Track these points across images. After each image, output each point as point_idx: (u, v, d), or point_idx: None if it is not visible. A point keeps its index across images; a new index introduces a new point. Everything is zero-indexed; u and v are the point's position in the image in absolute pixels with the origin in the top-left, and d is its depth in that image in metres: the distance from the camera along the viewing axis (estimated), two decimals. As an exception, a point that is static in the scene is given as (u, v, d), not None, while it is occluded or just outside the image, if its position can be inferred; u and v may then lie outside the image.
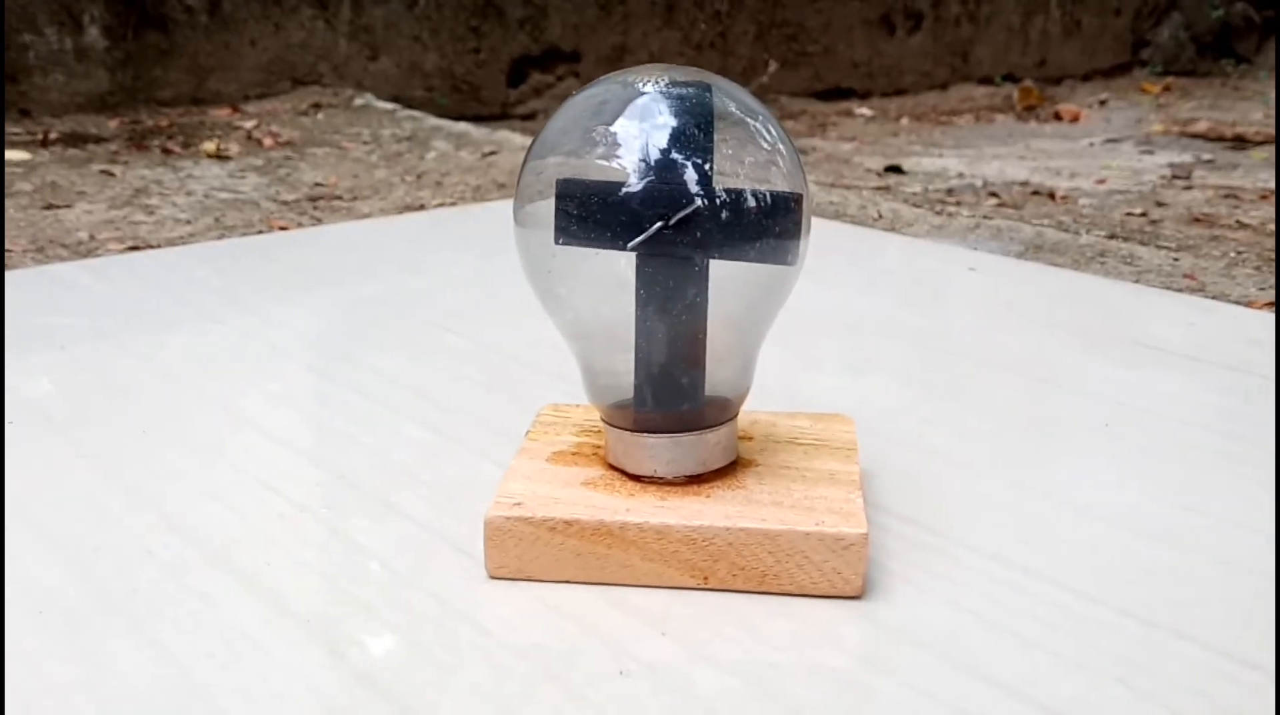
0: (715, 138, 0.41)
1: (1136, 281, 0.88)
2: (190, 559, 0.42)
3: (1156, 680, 0.36)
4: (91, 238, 0.99)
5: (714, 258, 0.41)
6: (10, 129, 1.44)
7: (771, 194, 0.41)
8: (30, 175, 1.23)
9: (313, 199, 1.18)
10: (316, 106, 1.68)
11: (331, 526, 0.45)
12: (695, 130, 0.40)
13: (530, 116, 2.15)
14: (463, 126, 1.63)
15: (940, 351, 0.66)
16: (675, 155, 0.40)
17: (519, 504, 0.41)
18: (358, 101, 1.73)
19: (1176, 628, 0.39)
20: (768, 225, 0.41)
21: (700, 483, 0.43)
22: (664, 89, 0.41)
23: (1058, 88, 2.99)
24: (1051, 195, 1.41)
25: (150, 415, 0.56)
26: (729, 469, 0.44)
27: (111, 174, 1.26)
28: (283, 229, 1.05)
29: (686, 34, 2.38)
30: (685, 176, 0.40)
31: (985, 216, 1.10)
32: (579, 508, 0.41)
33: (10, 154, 1.31)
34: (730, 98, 0.42)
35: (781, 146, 0.42)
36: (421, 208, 1.14)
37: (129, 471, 0.50)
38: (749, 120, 0.42)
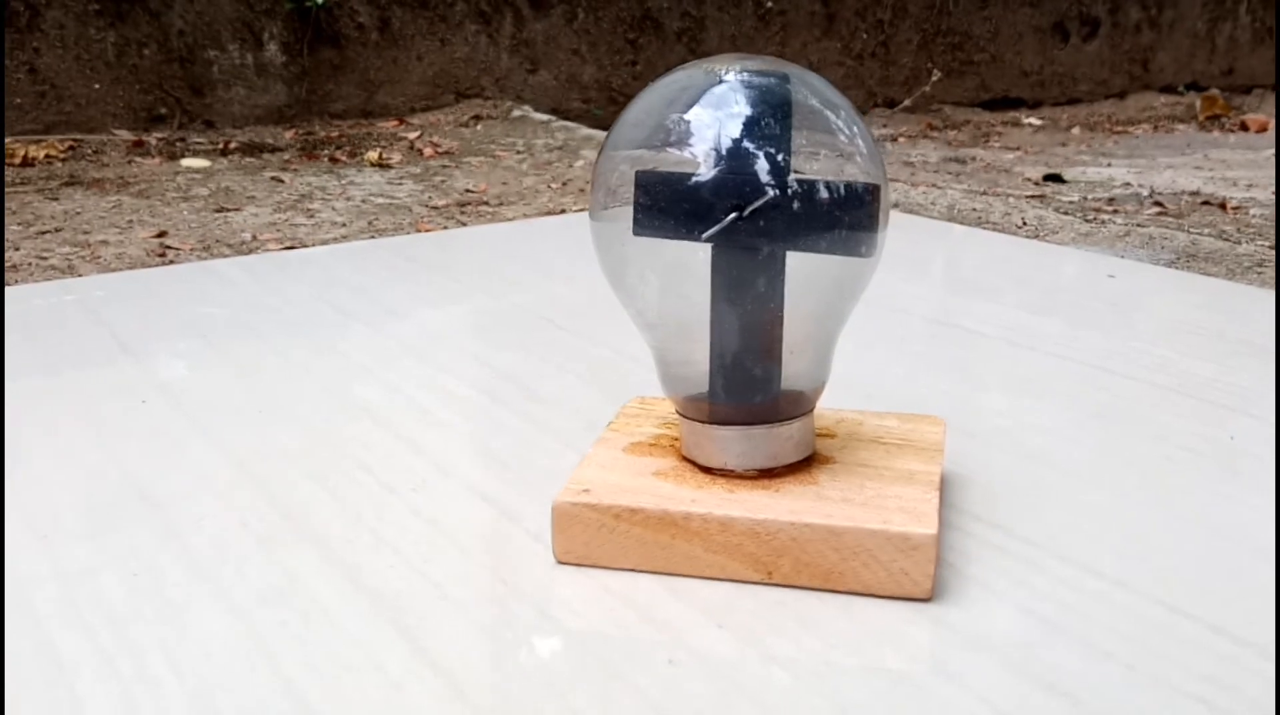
0: (792, 128, 0.40)
1: (1298, 293, 0.82)
2: (280, 532, 0.45)
3: (1239, 702, 0.34)
4: (254, 238, 1.05)
5: (788, 249, 0.40)
6: (194, 139, 1.54)
7: (846, 185, 0.40)
8: (207, 181, 1.31)
9: (461, 204, 1.22)
10: (477, 118, 1.74)
11: (415, 509, 0.47)
12: (771, 120, 0.40)
13: (687, 127, 2.14)
14: (614, 136, 1.65)
15: (1059, 357, 0.63)
16: (749, 145, 0.40)
17: (587, 491, 0.42)
18: (515, 113, 1.78)
19: (1271, 649, 0.36)
20: (842, 217, 0.40)
21: (771, 477, 0.43)
22: (741, 78, 0.41)
23: (1246, 97, 2.83)
24: (1222, 205, 1.33)
25: (270, 399, 0.59)
26: (803, 464, 0.44)
27: (281, 181, 1.33)
28: (427, 231, 1.09)
29: (847, 43, 2.35)
30: (759, 167, 0.40)
31: (1139, 225, 1.05)
32: (645, 496, 0.41)
33: (191, 162, 1.40)
34: (809, 88, 0.42)
35: (860, 138, 0.42)
36: (562, 212, 1.17)
37: (240, 449, 0.52)
38: (827, 112, 0.42)
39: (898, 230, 0.94)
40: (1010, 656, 0.36)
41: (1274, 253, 0.88)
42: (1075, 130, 2.39)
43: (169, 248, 0.99)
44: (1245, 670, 0.35)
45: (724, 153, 0.40)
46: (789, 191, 0.39)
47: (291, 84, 1.65)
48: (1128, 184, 1.56)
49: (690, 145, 0.40)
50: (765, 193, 0.39)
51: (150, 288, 0.81)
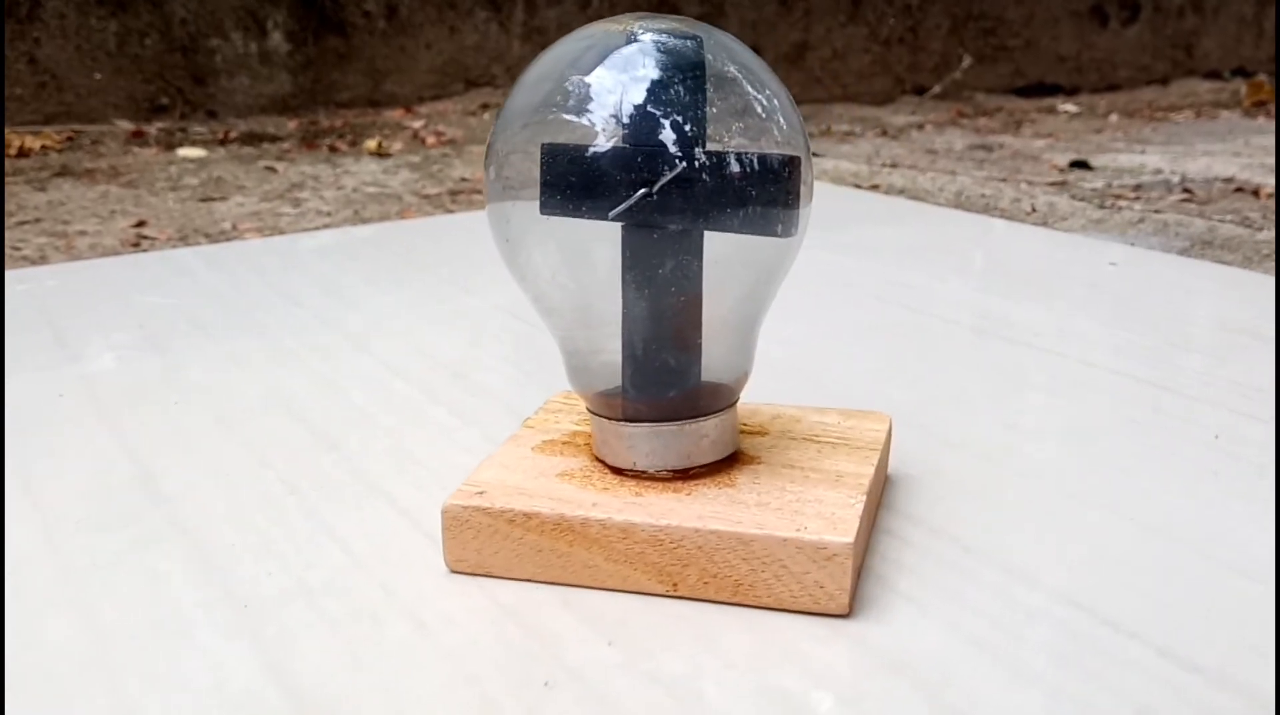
0: (706, 96, 0.36)
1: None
2: (162, 535, 0.41)
3: (1179, 740, 0.29)
4: (234, 227, 1.02)
5: (697, 228, 0.37)
6: (195, 129, 1.52)
7: (761, 158, 0.36)
8: (199, 171, 1.29)
9: (454, 193, 1.18)
10: (485, 107, 1.71)
11: (310, 509, 0.43)
12: (683, 88, 0.36)
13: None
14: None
15: (1038, 349, 0.58)
16: (658, 114, 0.36)
17: (481, 493, 0.38)
18: (525, 101, 1.75)
19: (1225, 674, 0.32)
20: (756, 192, 0.36)
21: (686, 479, 0.39)
22: (650, 40, 0.37)
23: (1274, 80, 2.72)
24: (1255, 193, 1.27)
25: (191, 392, 0.56)
26: (723, 465, 0.40)
27: (274, 170, 1.31)
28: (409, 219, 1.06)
29: (874, 29, 2.28)
30: (666, 137, 0.36)
31: (1157, 211, 0.99)
32: (542, 500, 0.38)
33: (187, 152, 1.38)
34: (724, 51, 0.38)
35: (780, 108, 0.38)
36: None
37: (143, 444, 0.49)
38: (743, 77, 0.38)
39: (890, 216, 0.90)
40: (925, 680, 0.32)
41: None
42: (1113, 117, 2.32)
43: (145, 237, 0.97)
44: (1187, 700, 0.31)
45: (631, 123, 0.36)
46: (698, 164, 0.35)
47: (296, 73, 1.63)
48: (1159, 170, 1.49)
49: (592, 114, 0.37)
50: (674, 166, 0.36)
51: (104, 277, 0.78)
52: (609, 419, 0.39)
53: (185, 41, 1.53)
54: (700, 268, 0.37)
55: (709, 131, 0.36)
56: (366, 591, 0.37)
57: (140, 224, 1.03)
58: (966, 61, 2.41)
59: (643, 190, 0.36)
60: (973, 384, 0.55)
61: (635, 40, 0.37)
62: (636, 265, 0.37)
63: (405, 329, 0.65)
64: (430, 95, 1.77)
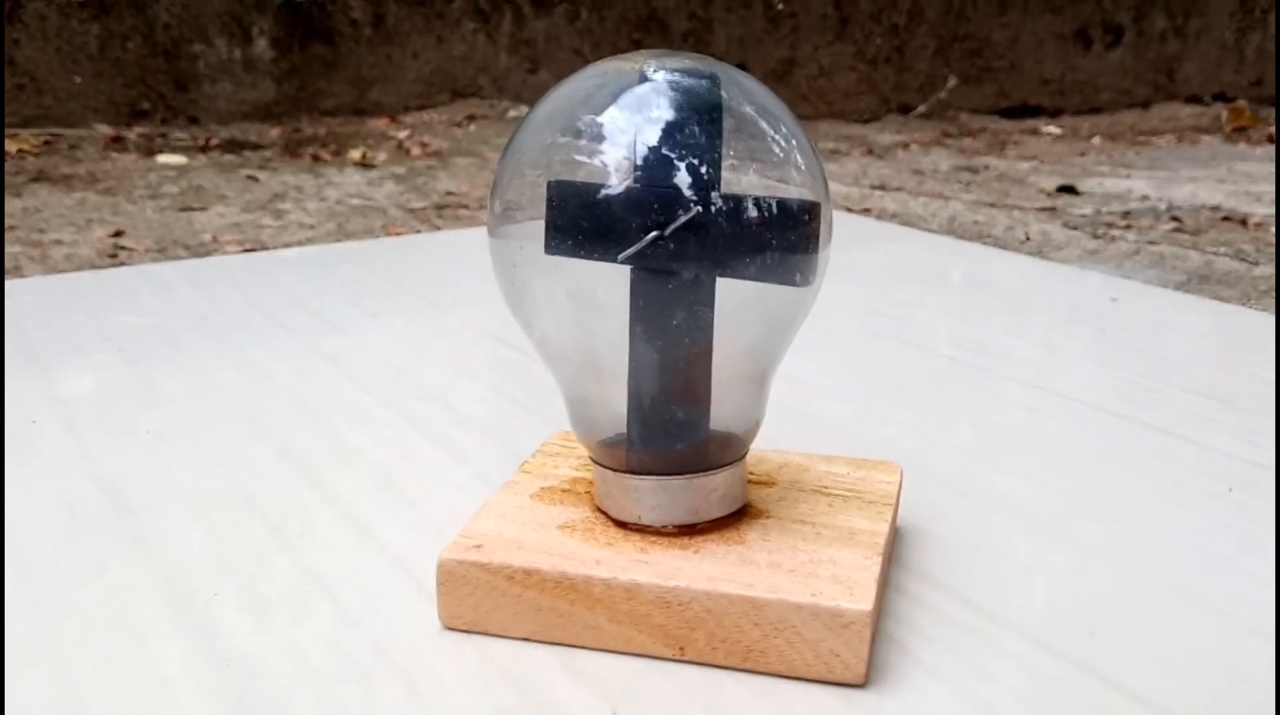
0: (722, 137, 0.35)
1: (1315, 320, 0.76)
2: (140, 582, 0.39)
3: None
4: (214, 239, 1.00)
5: (713, 274, 0.35)
6: (175, 135, 1.50)
7: (780, 202, 0.35)
8: (179, 179, 1.27)
9: (439, 207, 1.17)
10: (471, 118, 1.69)
11: (297, 554, 0.41)
12: (699, 128, 0.35)
13: (694, 131, 2.08)
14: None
15: (1042, 389, 0.57)
16: (672, 155, 0.34)
17: (478, 546, 0.37)
18: (512, 113, 1.73)
19: (1259, 762, 0.30)
20: (774, 239, 0.34)
21: (693, 535, 0.37)
22: (665, 78, 0.36)
23: (1273, 109, 2.74)
24: (1243, 222, 1.26)
25: (169, 420, 0.54)
26: (732, 520, 0.38)
27: (256, 179, 1.29)
28: (396, 235, 1.04)
29: (860, 48, 2.28)
30: (680, 179, 0.34)
31: (1151, 242, 0.98)
32: (542, 555, 0.36)
33: (167, 158, 1.35)
34: (741, 90, 0.36)
35: (798, 149, 0.36)
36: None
37: (120, 479, 0.47)
38: (761, 119, 0.36)
39: (885, 242, 0.89)
40: (949, 764, 0.30)
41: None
42: (1096, 140, 2.32)
43: (122, 248, 0.94)
44: (1228, 793, 0.29)
45: (643, 162, 0.34)
46: (713, 208, 0.34)
47: (281, 80, 1.61)
48: (1145, 197, 1.49)
49: (603, 153, 0.35)
50: (689, 209, 0.34)
51: (81, 293, 0.76)
52: (613, 470, 0.37)
53: (168, 46, 1.50)
54: (712, 316, 0.36)
55: (724, 173, 0.35)
56: (357, 650, 0.35)
57: (118, 234, 1.00)
58: (952, 82, 2.41)
59: (654, 233, 0.34)
60: (977, 426, 0.53)
61: (648, 79, 0.35)
62: (645, 312, 0.36)
63: (391, 354, 0.64)
64: (416, 105, 1.75)
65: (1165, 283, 0.84)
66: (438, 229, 1.06)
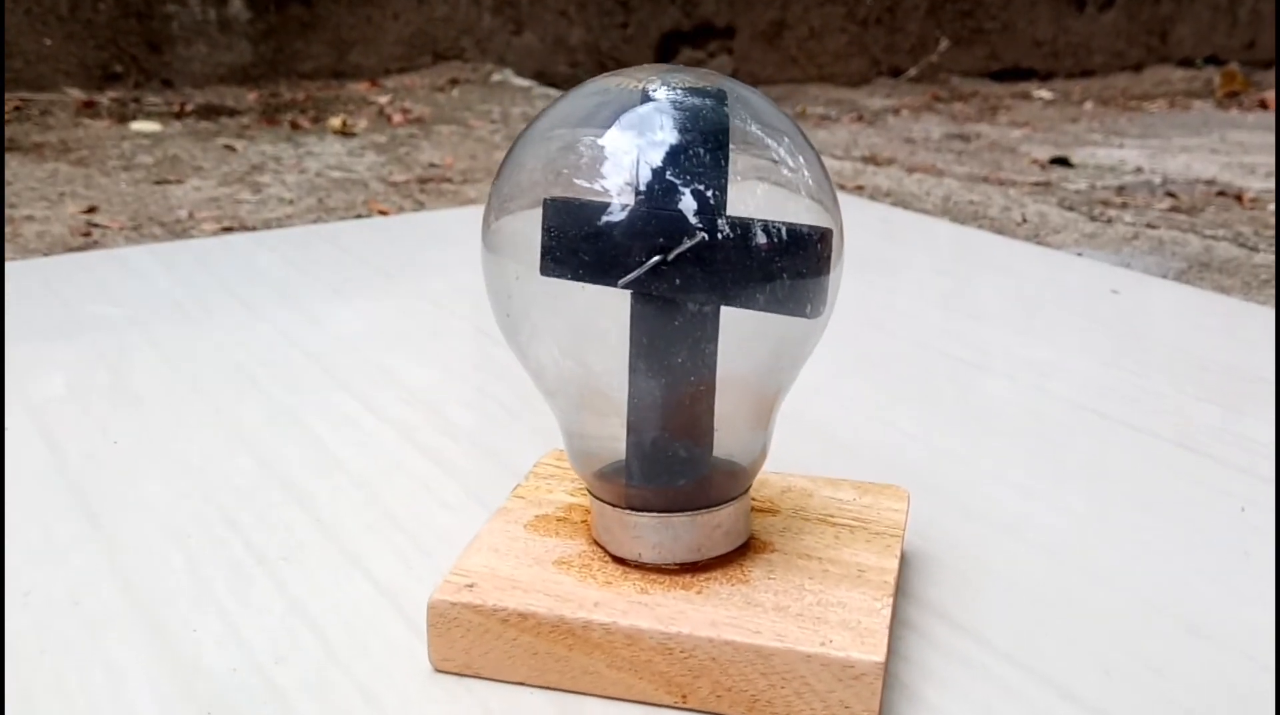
0: (728, 158, 0.33)
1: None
2: (120, 611, 0.38)
3: None
4: (190, 216, 0.97)
5: (719, 303, 0.33)
6: (149, 99, 1.46)
7: (790, 228, 0.33)
8: (155, 148, 1.23)
9: (423, 181, 1.14)
10: (454, 81, 1.65)
11: (280, 583, 0.39)
12: (704, 149, 0.33)
13: (681, 94, 2.05)
14: (598, 105, 1.56)
15: (1047, 393, 0.56)
16: (675, 175, 0.32)
17: (471, 585, 0.35)
18: (495, 78, 1.69)
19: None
20: (784, 267, 0.33)
21: (696, 572, 0.36)
22: (670, 96, 0.33)
23: (1266, 73, 2.72)
24: (1239, 198, 1.25)
25: (138, 427, 0.52)
26: (735, 555, 0.36)
27: (233, 149, 1.25)
28: (381, 213, 1.01)
29: (851, 9, 2.24)
30: (685, 202, 0.32)
31: (1149, 224, 0.97)
32: (539, 597, 0.34)
33: (141, 125, 1.32)
34: (748, 109, 0.34)
35: (808, 171, 0.34)
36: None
37: (92, 494, 0.45)
38: (770, 139, 0.34)
39: (882, 226, 0.87)
40: (966, 830, 0.29)
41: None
42: (1088, 105, 2.30)
43: (96, 226, 0.92)
44: None
45: (646, 185, 0.32)
46: (720, 234, 0.32)
47: (257, 42, 1.56)
48: (1139, 169, 1.47)
49: (603, 173, 0.33)
50: (693, 234, 0.32)
51: (52, 278, 0.73)
52: (612, 505, 0.36)
53: (140, 7, 1.46)
54: (715, 347, 0.34)
55: (730, 196, 0.33)
56: (344, 695, 0.34)
57: (91, 210, 0.97)
58: (944, 44, 2.38)
59: (657, 257, 0.33)
60: (982, 435, 0.52)
61: (652, 96, 0.33)
62: (646, 341, 0.34)
63: (376, 352, 0.61)
64: (397, 68, 1.71)
65: (1165, 270, 0.82)
66: (421, 205, 1.04)
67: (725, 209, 0.33)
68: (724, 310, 0.33)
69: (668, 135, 0.33)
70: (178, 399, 0.55)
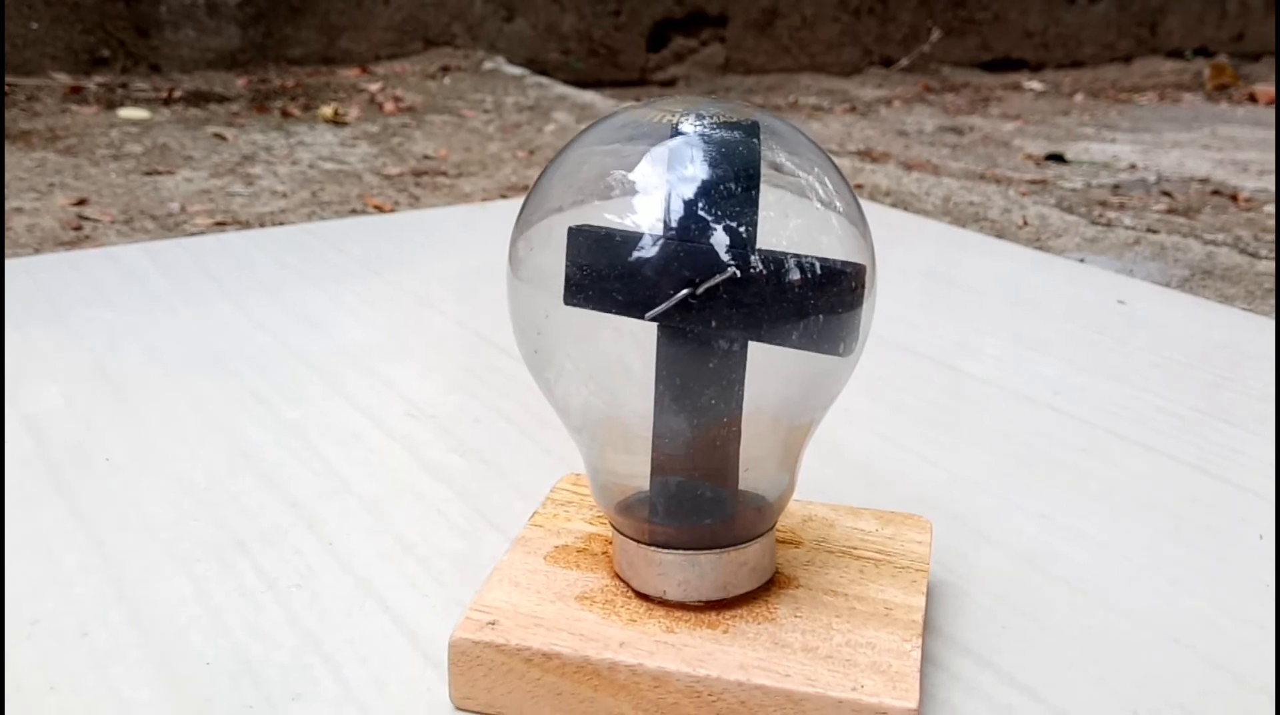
0: (760, 192, 0.32)
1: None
2: (125, 645, 0.37)
3: None
4: (183, 209, 0.96)
5: (751, 339, 0.32)
6: (137, 85, 1.43)
7: (824, 263, 0.32)
8: (144, 136, 1.21)
9: (417, 174, 1.12)
10: (445, 69, 1.63)
11: (293, 614, 0.39)
12: (735, 183, 0.32)
13: (670, 83, 2.05)
14: (589, 96, 1.55)
15: (1065, 415, 0.55)
16: (707, 212, 0.32)
17: (493, 623, 0.34)
18: (487, 65, 1.67)
19: None
20: (817, 303, 0.32)
21: (720, 610, 0.35)
22: (703, 129, 0.33)
23: (1255, 65, 2.72)
24: (1234, 197, 1.25)
25: (136, 442, 0.51)
26: (761, 590, 0.36)
27: (223, 138, 1.24)
28: (377, 208, 1.00)
29: (843, -1, 2.23)
30: (720, 238, 0.32)
31: (1150, 228, 0.96)
32: (563, 636, 0.34)
33: (130, 112, 1.30)
34: (782, 142, 0.33)
35: (840, 202, 0.34)
36: (525, 189, 1.08)
37: (93, 514, 0.44)
38: (802, 173, 0.33)
39: (885, 230, 0.86)
40: None
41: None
42: (1078, 97, 2.30)
43: (86, 219, 0.90)
44: None
45: (676, 218, 0.32)
46: (753, 269, 0.31)
47: (246, 26, 1.54)
48: (1133, 166, 1.47)
49: (633, 205, 0.32)
50: (724, 268, 0.31)
51: (43, 277, 0.72)
52: (636, 541, 0.35)
53: (128, -10, 1.43)
54: (742, 383, 0.33)
55: (762, 229, 0.32)
56: (364, 738, 0.33)
57: (81, 202, 0.96)
58: (935, 34, 2.37)
59: (686, 290, 0.32)
60: (996, 455, 0.51)
61: (681, 128, 0.33)
62: (672, 376, 0.33)
63: (377, 361, 0.61)
64: (387, 54, 1.69)
65: (1169, 278, 0.82)
66: (416, 199, 1.03)
67: (756, 243, 0.32)
68: (755, 347, 0.33)
69: (698, 169, 0.32)
70: (177, 414, 0.54)
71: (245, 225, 0.92)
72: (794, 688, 0.32)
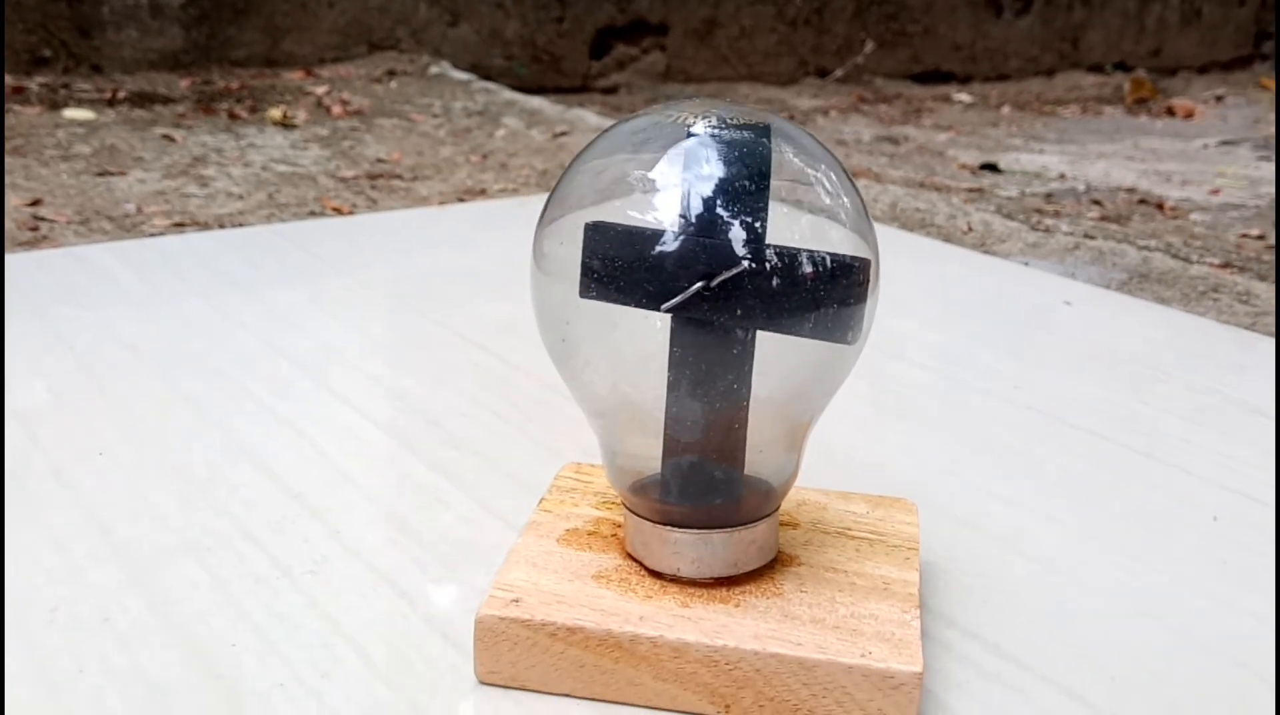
0: (771, 190, 0.34)
1: (1252, 326, 0.79)
2: (148, 630, 0.38)
3: None
4: (139, 210, 0.96)
5: (761, 329, 0.35)
6: (80, 85, 1.42)
7: (833, 257, 0.34)
8: (91, 137, 1.20)
9: (372, 177, 1.13)
10: (391, 73, 1.63)
11: (311, 598, 0.40)
12: (748, 181, 0.34)
13: (612, 90, 2.07)
14: (537, 102, 1.57)
15: (1024, 408, 0.58)
16: (723, 209, 0.34)
17: (517, 601, 0.36)
18: (433, 70, 1.68)
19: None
20: (826, 295, 0.34)
21: (730, 586, 0.37)
22: (716, 130, 0.35)
23: (1172, 79, 2.83)
24: (1160, 206, 1.31)
25: (135, 437, 0.51)
26: (766, 568, 0.38)
27: (173, 139, 1.23)
28: (336, 210, 1.01)
29: (781, 9, 2.28)
30: (732, 233, 0.34)
31: (1087, 234, 1.01)
32: (585, 611, 0.35)
33: (75, 113, 1.28)
34: (791, 143, 0.36)
35: (847, 200, 0.36)
36: (482, 193, 1.09)
37: (100, 507, 0.45)
38: (811, 170, 0.36)
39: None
40: (1007, 831, 0.31)
41: (1226, 277, 0.85)
42: (1005, 109, 2.37)
43: (42, 219, 0.89)
44: None
45: (692, 213, 0.34)
46: (766, 263, 0.33)
47: (189, 27, 1.53)
48: (1063, 176, 1.53)
49: (654, 203, 0.34)
50: (737, 262, 0.33)
51: (10, 279, 0.71)
52: (650, 521, 0.37)
53: (70, -11, 1.41)
54: (751, 371, 0.35)
55: (772, 224, 0.34)
56: (397, 712, 0.34)
57: (36, 203, 0.95)
58: (869, 46, 2.43)
59: (700, 283, 0.34)
60: (964, 447, 0.54)
61: (694, 130, 0.35)
62: (685, 363, 0.35)
63: (363, 360, 0.62)
64: (331, 57, 1.68)
65: (1108, 281, 0.86)
66: (374, 202, 1.03)
67: (765, 237, 0.34)
68: (765, 337, 0.35)
69: (713, 167, 0.34)
70: (169, 409, 0.55)
71: (205, 226, 0.92)
72: (806, 655, 0.34)
